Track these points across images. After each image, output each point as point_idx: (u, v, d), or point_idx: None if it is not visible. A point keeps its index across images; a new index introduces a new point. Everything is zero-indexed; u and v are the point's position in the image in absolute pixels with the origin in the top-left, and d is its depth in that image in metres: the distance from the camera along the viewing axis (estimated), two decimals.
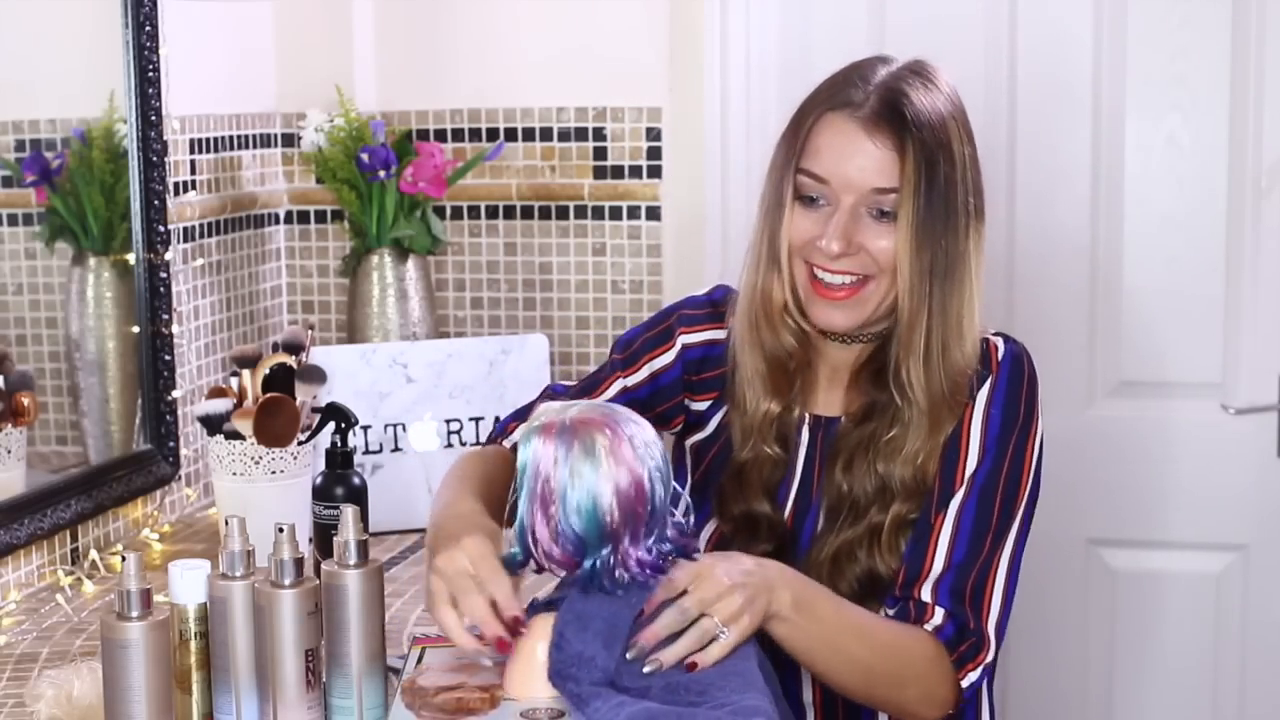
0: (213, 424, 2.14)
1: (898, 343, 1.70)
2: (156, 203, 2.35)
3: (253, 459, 2.13)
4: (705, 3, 2.70)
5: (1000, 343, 1.75)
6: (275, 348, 2.27)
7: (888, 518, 1.70)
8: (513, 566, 1.48)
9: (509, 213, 2.79)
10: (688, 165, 2.73)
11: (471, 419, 2.43)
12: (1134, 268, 2.68)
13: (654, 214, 2.73)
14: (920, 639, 1.66)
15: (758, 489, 1.76)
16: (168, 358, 2.38)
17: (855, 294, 1.69)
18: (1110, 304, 2.70)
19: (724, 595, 1.48)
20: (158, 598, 1.50)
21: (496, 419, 2.42)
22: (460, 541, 1.49)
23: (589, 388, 1.84)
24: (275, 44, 2.77)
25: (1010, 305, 2.70)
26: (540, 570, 1.49)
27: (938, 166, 1.66)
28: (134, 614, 1.44)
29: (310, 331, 2.22)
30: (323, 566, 1.54)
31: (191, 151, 2.51)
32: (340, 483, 1.96)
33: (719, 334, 1.82)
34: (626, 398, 1.80)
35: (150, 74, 2.33)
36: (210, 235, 2.57)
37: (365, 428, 2.36)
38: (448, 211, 2.78)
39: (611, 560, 1.45)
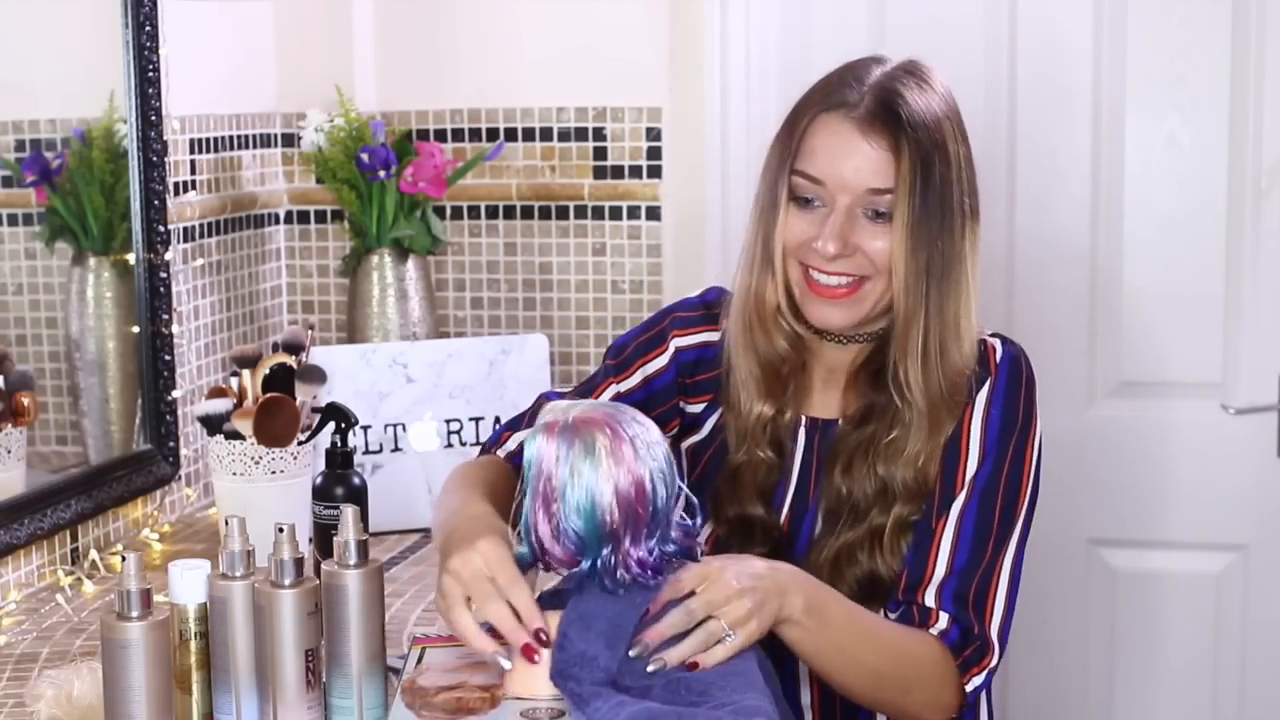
0: (213, 424, 2.14)
1: (895, 344, 1.69)
2: (156, 203, 2.35)
3: (253, 459, 2.13)
4: (705, 3, 2.70)
5: (998, 344, 1.74)
6: (275, 348, 2.27)
7: (889, 520, 1.69)
8: (523, 566, 1.48)
9: (509, 213, 2.78)
10: (688, 165, 2.73)
11: (471, 419, 2.43)
12: (1134, 268, 2.68)
13: (654, 214, 2.73)
14: (926, 643, 1.65)
15: (753, 492, 1.75)
16: (168, 358, 2.38)
17: (852, 293, 1.69)
18: (1110, 304, 2.70)
19: (732, 599, 1.48)
20: (158, 598, 1.50)
21: (496, 419, 2.42)
22: (475, 544, 1.47)
23: (583, 393, 1.83)
24: (275, 44, 2.77)
25: (1010, 305, 2.70)
26: (548, 569, 1.49)
27: (933, 166, 1.65)
28: (134, 614, 1.44)
29: (310, 331, 2.22)
30: (323, 566, 1.54)
31: (191, 151, 2.51)
32: (340, 483, 1.95)
33: (713, 336, 1.82)
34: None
35: (150, 74, 2.33)
36: (210, 235, 2.57)
37: (365, 428, 2.36)
38: (448, 211, 2.78)
39: (612, 560, 1.45)
